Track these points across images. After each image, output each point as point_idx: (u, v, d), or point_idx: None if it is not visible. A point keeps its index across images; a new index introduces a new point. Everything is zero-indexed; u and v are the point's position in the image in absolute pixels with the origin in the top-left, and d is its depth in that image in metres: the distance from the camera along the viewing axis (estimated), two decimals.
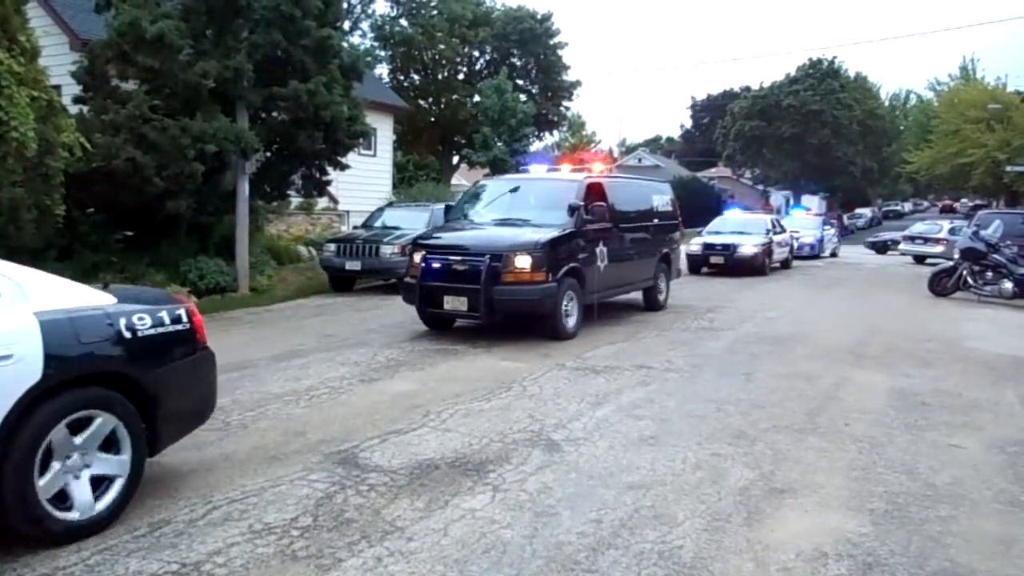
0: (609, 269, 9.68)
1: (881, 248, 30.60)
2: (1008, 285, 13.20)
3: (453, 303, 8.53)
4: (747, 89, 58.21)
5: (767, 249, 18.18)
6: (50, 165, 9.11)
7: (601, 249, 9.48)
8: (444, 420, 5.54)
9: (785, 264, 20.25)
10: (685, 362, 7.79)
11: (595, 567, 3.35)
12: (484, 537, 3.62)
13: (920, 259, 23.63)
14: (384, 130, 24.18)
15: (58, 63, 12.30)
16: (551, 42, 36.32)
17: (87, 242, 11.06)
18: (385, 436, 5.13)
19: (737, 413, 5.88)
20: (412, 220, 14.21)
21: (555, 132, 43.79)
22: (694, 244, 18.25)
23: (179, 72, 11.42)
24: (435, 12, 34.63)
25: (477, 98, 32.05)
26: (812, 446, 5.12)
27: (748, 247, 17.72)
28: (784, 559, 3.46)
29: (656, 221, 11.38)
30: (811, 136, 49.71)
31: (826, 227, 27.40)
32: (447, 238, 9.32)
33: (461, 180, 42.79)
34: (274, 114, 13.26)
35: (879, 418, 5.84)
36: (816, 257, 24.02)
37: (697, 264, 17.99)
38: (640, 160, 56.89)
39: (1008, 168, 32.89)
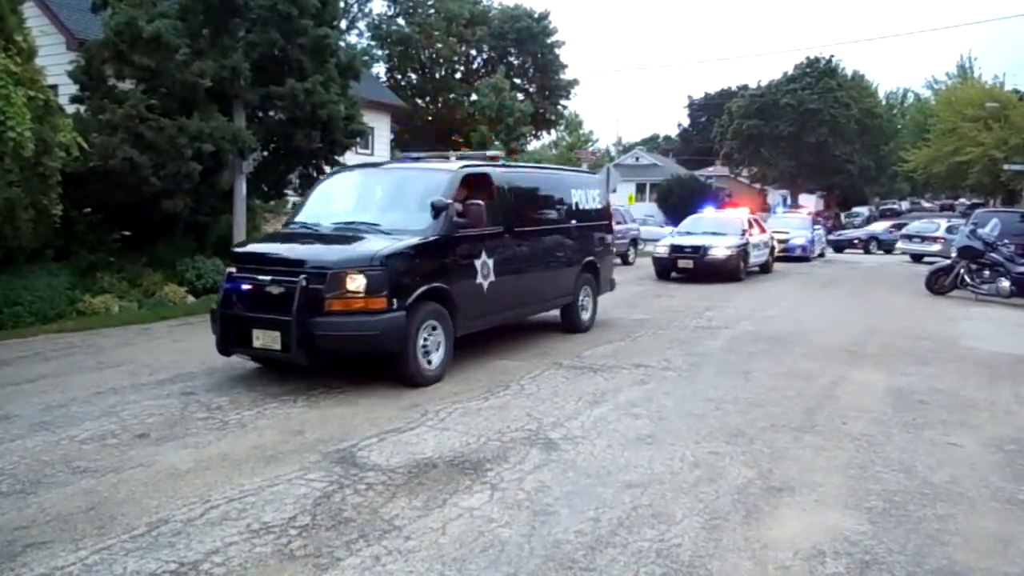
0: (501, 286, 7.44)
1: (841, 247, 29.79)
2: (1005, 284, 13.22)
3: (264, 339, 6.15)
4: (744, 88, 58.22)
5: (742, 251, 16.34)
6: (47, 165, 9.10)
7: (485, 261, 7.23)
8: (442, 419, 5.54)
9: (765, 268, 18.48)
10: (683, 361, 7.79)
11: (593, 565, 3.35)
12: (482, 536, 3.62)
13: (917, 258, 23.66)
14: (381, 129, 24.19)
15: (55, 63, 12.28)
16: (548, 41, 36.37)
17: (84, 242, 11.04)
18: (382, 435, 5.13)
19: (735, 412, 5.89)
20: None
21: (552, 131, 43.79)
22: (660, 246, 16.89)
23: (176, 71, 11.40)
24: (432, 11, 34.64)
25: (474, 97, 32.10)
26: (810, 445, 5.12)
27: (720, 249, 15.92)
28: (782, 557, 3.47)
29: (575, 222, 9.19)
30: (808, 135, 49.73)
31: (815, 227, 25.55)
32: (261, 249, 7.08)
33: None
34: (271, 113, 13.25)
35: (877, 417, 5.85)
36: (806, 259, 22.62)
37: (664, 269, 16.37)
38: (637, 159, 56.89)
39: (1005, 166, 32.92)
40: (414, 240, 6.53)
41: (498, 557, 3.41)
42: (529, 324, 8.97)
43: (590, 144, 48.70)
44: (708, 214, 19.65)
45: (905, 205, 70.35)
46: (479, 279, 7.20)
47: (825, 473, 4.58)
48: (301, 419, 5.47)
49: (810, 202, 58.22)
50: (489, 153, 8.74)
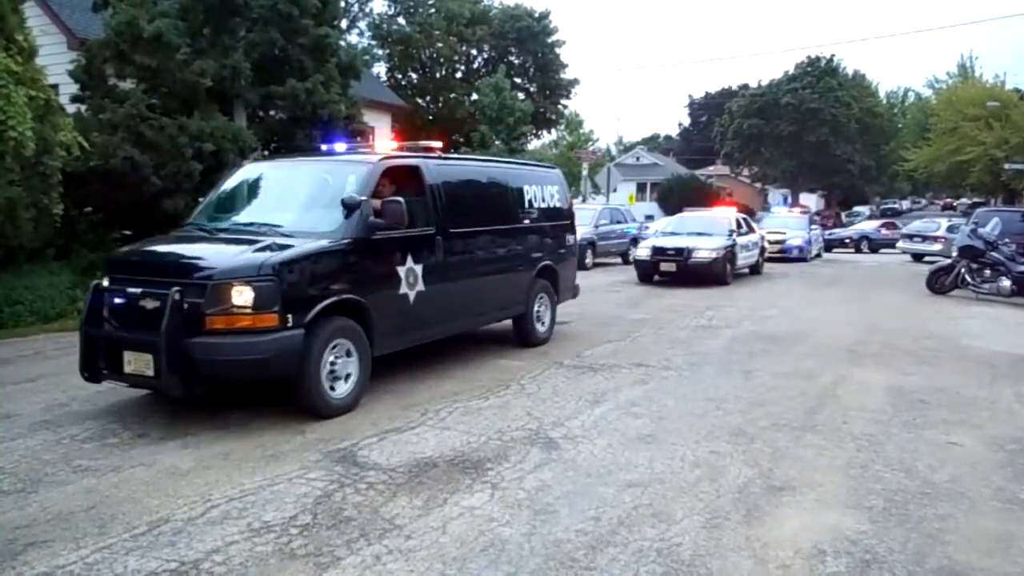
0: (433, 296, 6.49)
1: (830, 247, 28.88)
2: (1006, 283, 13.21)
3: (136, 363, 5.15)
4: (745, 87, 58.26)
5: (728, 253, 15.42)
6: (48, 164, 9.10)
7: (412, 268, 6.26)
8: (442, 418, 5.54)
9: (755, 269, 17.64)
10: (683, 360, 7.79)
11: (594, 564, 3.35)
12: (483, 535, 3.62)
13: (918, 257, 23.65)
14: (382, 129, 24.15)
15: (56, 62, 12.28)
16: (549, 40, 36.37)
17: (85, 241, 11.05)
18: (383, 434, 5.13)
19: (736, 411, 5.89)
20: None
21: (553, 130, 43.78)
22: (642, 248, 16.00)
23: (176, 71, 11.41)
24: (433, 10, 34.66)
25: (475, 96, 32.08)
26: (811, 444, 5.12)
27: (705, 251, 15.00)
28: (783, 556, 3.47)
29: (528, 222, 8.24)
30: (809, 134, 49.76)
31: (812, 227, 24.70)
32: (136, 256, 5.99)
33: None
34: (272, 113, 13.28)
35: (877, 416, 5.84)
36: (803, 260, 21.97)
37: (647, 272, 15.42)
38: (638, 158, 56.91)
39: (1006, 166, 32.93)
40: (318, 244, 5.52)
41: (499, 556, 3.41)
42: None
43: (591, 144, 48.61)
44: (694, 213, 18.81)
45: (906, 204, 70.37)
46: (404, 289, 6.18)
47: (826, 472, 4.58)
48: (301, 418, 5.46)
49: (811, 201, 58.27)
50: (424, 144, 7.33)
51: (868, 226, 33.40)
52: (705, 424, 5.52)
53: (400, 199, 5.98)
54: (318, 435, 5.10)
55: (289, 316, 5.15)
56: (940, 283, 14.21)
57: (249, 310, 5.06)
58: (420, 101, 35.09)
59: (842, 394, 6.53)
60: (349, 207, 5.74)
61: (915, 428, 5.55)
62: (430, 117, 35.25)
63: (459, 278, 6.97)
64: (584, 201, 28.33)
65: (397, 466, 4.53)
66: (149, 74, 11.42)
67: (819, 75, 51.04)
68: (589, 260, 18.30)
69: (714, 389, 6.57)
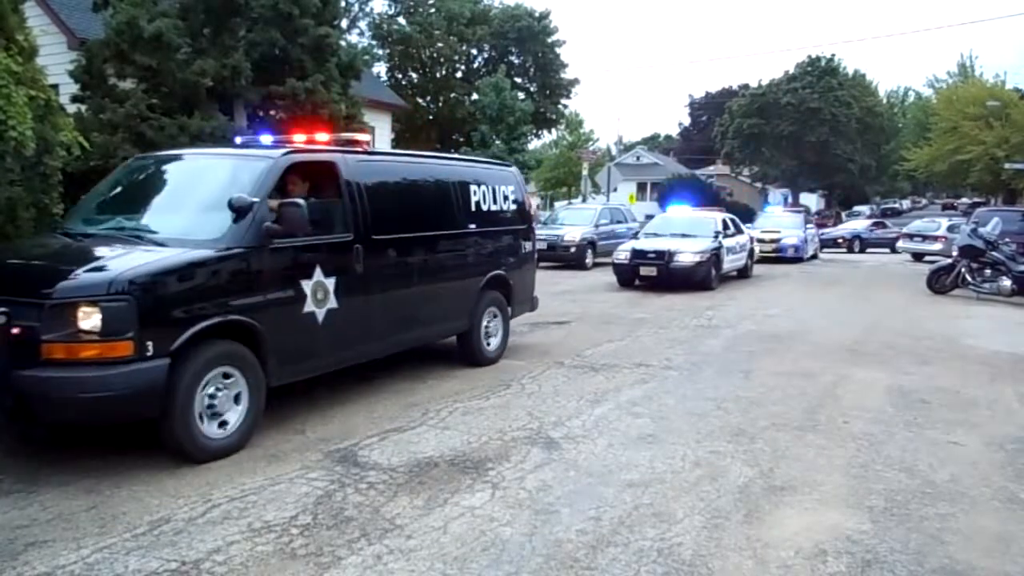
0: (350, 314, 5.58)
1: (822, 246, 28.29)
2: (1007, 282, 13.21)
3: None
4: (745, 87, 58.23)
5: (713, 256, 14.35)
6: (48, 164, 9.09)
7: (322, 281, 5.32)
8: (443, 418, 5.54)
9: (743, 273, 16.66)
10: (684, 360, 7.79)
11: (594, 564, 3.35)
12: (483, 535, 3.62)
13: (919, 256, 23.64)
14: (382, 128, 24.17)
15: (56, 62, 12.27)
16: (549, 40, 36.37)
17: None
18: (384, 434, 5.14)
19: (736, 411, 5.89)
20: None
21: (553, 130, 43.81)
22: (621, 251, 14.81)
23: (177, 71, 11.41)
24: (433, 10, 34.66)
25: (475, 96, 32.09)
26: (811, 444, 5.12)
27: (687, 254, 13.96)
28: (783, 556, 3.47)
29: (475, 226, 7.25)
30: (809, 134, 49.75)
31: (808, 226, 23.63)
32: None
33: None
34: (272, 112, 13.27)
35: (878, 416, 5.84)
36: (799, 260, 21.25)
37: (626, 277, 14.46)
38: (638, 158, 56.92)
39: (1006, 165, 32.93)
40: (192, 255, 4.57)
41: (499, 556, 3.41)
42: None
43: (591, 143, 48.64)
44: (679, 213, 17.54)
45: (906, 204, 70.37)
46: (310, 307, 5.23)
47: (826, 472, 4.58)
48: (302, 418, 5.47)
49: (811, 201, 58.26)
50: (347, 136, 6.45)
51: (860, 225, 33.22)
52: (706, 424, 5.52)
53: (300, 201, 5.08)
54: (319, 435, 5.10)
55: (149, 343, 4.18)
56: (940, 283, 14.21)
57: (97, 336, 4.10)
58: (420, 101, 35.08)
59: (843, 394, 6.53)
60: (238, 210, 4.77)
61: (916, 428, 5.55)
62: (430, 117, 35.26)
63: (384, 292, 6.02)
64: (584, 201, 28.34)
65: (398, 466, 4.54)
66: (149, 74, 11.43)
67: (819, 75, 51.03)
68: (589, 260, 18.30)
69: (715, 389, 6.57)
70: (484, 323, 7.42)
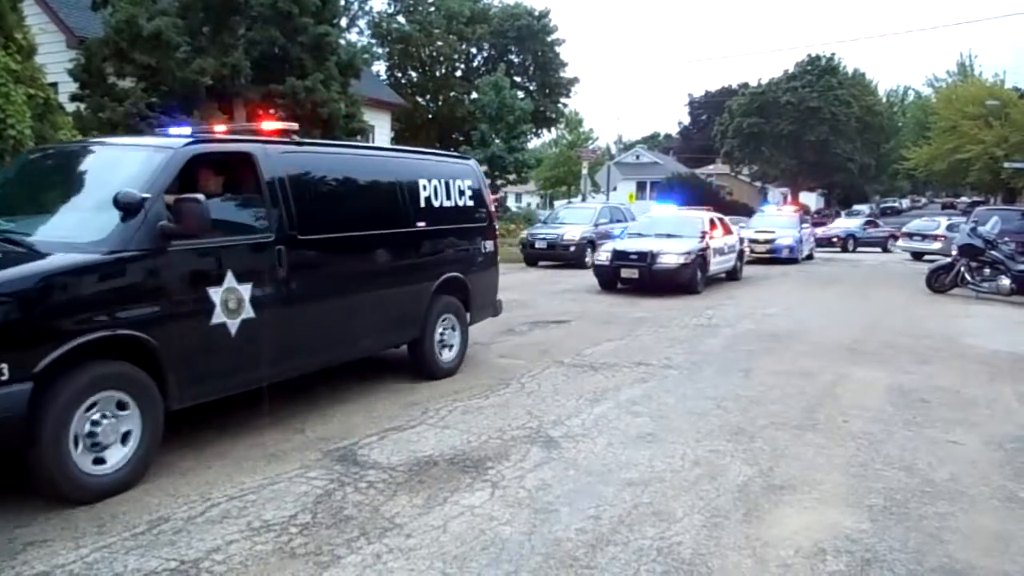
0: (271, 325, 4.92)
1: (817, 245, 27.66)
2: (1006, 281, 13.22)
3: None
4: (745, 86, 58.24)
5: (699, 257, 13.63)
6: None
7: (234, 289, 4.64)
8: (443, 417, 5.54)
9: (732, 275, 15.98)
10: (684, 359, 7.79)
11: (594, 563, 3.35)
12: (483, 534, 3.62)
13: (918, 255, 23.65)
14: (382, 127, 24.19)
15: (55, 61, 12.28)
16: (548, 39, 36.35)
17: None
18: (383, 433, 5.13)
19: (736, 410, 5.89)
20: None
21: (553, 129, 43.80)
22: (603, 252, 14.14)
23: (176, 69, 11.43)
24: (432, 9, 34.64)
25: (475, 95, 32.07)
26: (811, 443, 5.12)
27: (671, 256, 13.21)
28: (783, 555, 3.47)
29: (425, 225, 6.57)
30: (809, 133, 49.77)
31: (803, 226, 22.95)
32: None
33: None
34: (272, 111, 13.26)
35: (877, 415, 5.84)
36: (794, 261, 20.64)
37: (607, 279, 13.71)
38: (638, 157, 56.93)
39: (1006, 164, 32.95)
40: (64, 261, 3.95)
41: (499, 555, 3.41)
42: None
43: (590, 142, 48.67)
44: (664, 212, 16.83)
45: (906, 203, 70.40)
46: (220, 317, 4.55)
47: (826, 471, 4.58)
48: (302, 417, 5.47)
49: (811, 200, 58.25)
50: (268, 126, 5.64)
51: (853, 224, 33.00)
52: (705, 423, 5.52)
53: (199, 196, 4.35)
54: (318, 434, 5.10)
55: (3, 366, 3.56)
56: (940, 282, 14.22)
57: None
58: (420, 100, 35.06)
59: (842, 393, 6.54)
60: (125, 208, 4.14)
61: (915, 427, 5.55)
62: (430, 116, 35.25)
63: (315, 299, 5.35)
64: (584, 200, 28.34)
65: (397, 465, 4.54)
66: (148, 72, 11.44)
67: (819, 74, 51.05)
68: (589, 259, 18.29)
69: (714, 388, 6.57)
70: (438, 331, 6.76)
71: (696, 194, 32.63)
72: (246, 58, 11.87)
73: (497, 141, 27.66)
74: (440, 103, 35.41)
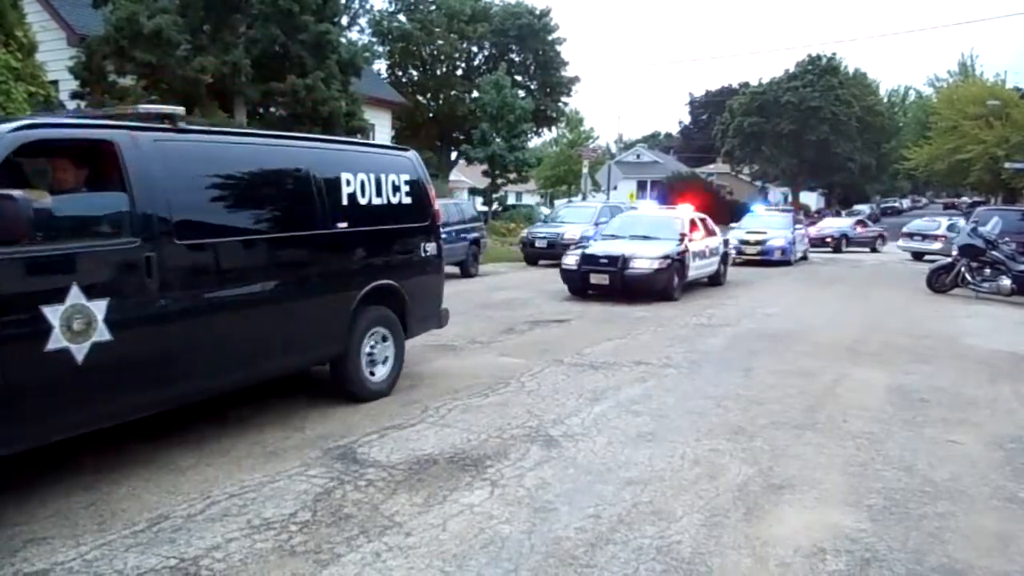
0: (133, 349, 4.12)
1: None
2: (1006, 282, 13.22)
3: None
4: (746, 85, 58.23)
5: (676, 262, 12.45)
6: None
7: (80, 307, 3.82)
8: (443, 415, 5.54)
9: (715, 280, 14.75)
10: (684, 358, 7.79)
11: (593, 562, 3.35)
12: (482, 532, 3.62)
13: (918, 256, 23.64)
14: (382, 126, 24.18)
15: (55, 58, 12.28)
16: (549, 38, 36.33)
17: None
18: (383, 431, 5.13)
19: (736, 409, 5.89)
20: None
21: (554, 128, 43.78)
22: (571, 256, 12.91)
23: (177, 67, 11.42)
24: (433, 7, 34.62)
25: (475, 94, 32.06)
26: (810, 442, 5.12)
27: (644, 260, 12.08)
28: (782, 555, 3.47)
29: (346, 226, 5.64)
30: (810, 132, 49.75)
31: (797, 226, 21.92)
32: None
33: (460, 176, 42.90)
34: (272, 109, 13.30)
35: (877, 414, 5.84)
36: (787, 263, 19.85)
37: (576, 285, 12.56)
38: (639, 156, 56.95)
39: (1006, 164, 32.92)
40: None
41: (498, 554, 3.41)
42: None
43: (591, 141, 48.65)
44: (642, 212, 15.90)
45: (906, 203, 70.39)
46: (60, 341, 3.72)
47: (826, 471, 4.58)
48: (302, 415, 5.47)
49: (811, 200, 58.21)
50: (144, 109, 4.89)
51: (844, 223, 32.71)
52: (705, 422, 5.52)
53: (14, 193, 3.52)
54: (318, 432, 5.10)
55: None
56: (940, 282, 14.22)
57: None
58: (420, 98, 35.03)
59: (842, 392, 6.53)
60: None
61: (915, 427, 5.55)
62: (431, 115, 35.23)
63: (197, 316, 4.47)
64: (584, 199, 28.33)
65: (397, 463, 4.53)
66: (149, 70, 11.44)
67: (820, 73, 51.03)
68: None
69: (714, 387, 6.57)
70: (365, 348, 5.89)
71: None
72: (247, 56, 11.87)
73: (498, 140, 27.65)
74: (441, 102, 35.39)
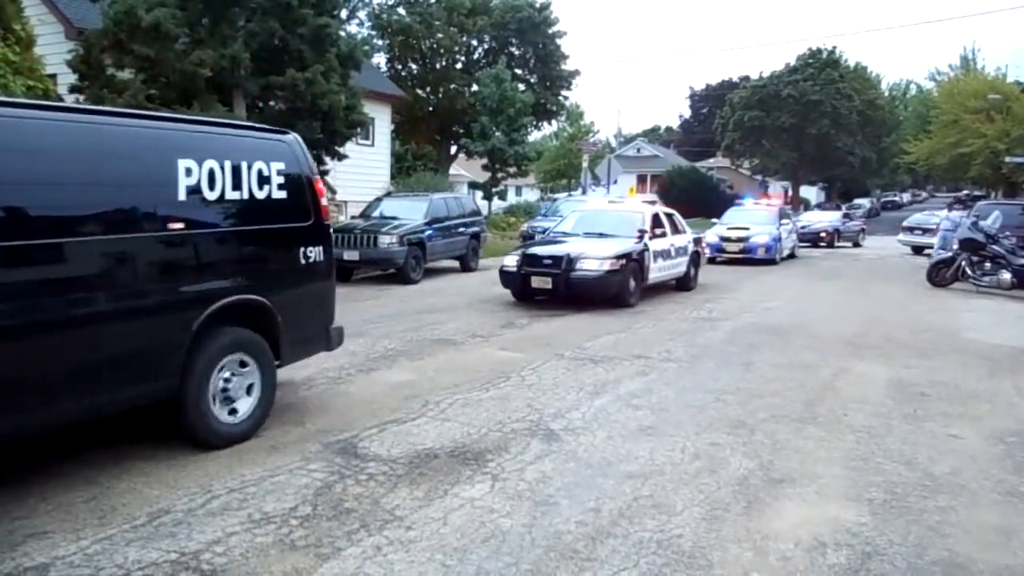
0: None
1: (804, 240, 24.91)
2: (1007, 276, 13.22)
3: None
4: (746, 79, 58.04)
5: (633, 263, 11.00)
6: None
7: None
8: (443, 410, 5.54)
9: (683, 283, 13.03)
10: (684, 352, 7.78)
11: (594, 556, 3.35)
12: (483, 526, 3.62)
13: (918, 250, 23.62)
14: (382, 120, 24.13)
15: (54, 52, 12.24)
16: (549, 31, 36.19)
17: None
18: (384, 425, 5.13)
19: (736, 403, 5.89)
20: (410, 210, 14.23)
21: (554, 122, 43.70)
22: (511, 257, 11.28)
23: (175, 61, 11.39)
24: (433, 1, 34.50)
25: (475, 87, 31.95)
26: (811, 436, 5.12)
27: (593, 260, 10.52)
28: (783, 548, 3.47)
29: (183, 226, 4.45)
30: (810, 126, 49.61)
31: (783, 221, 20.29)
32: None
33: (459, 170, 42.82)
34: (271, 103, 13.26)
35: (878, 408, 5.84)
36: (771, 262, 18.24)
37: (517, 289, 11.09)
38: (639, 150, 56.85)
39: (1007, 159, 32.86)
40: None
41: (499, 547, 3.41)
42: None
43: (591, 135, 48.59)
44: (597, 207, 14.39)
45: (907, 197, 70.32)
46: None
47: (826, 464, 4.58)
48: (302, 410, 5.47)
49: (811, 194, 58.12)
50: None
51: (834, 217, 32.38)
52: (705, 416, 5.52)
53: None
54: (319, 426, 5.10)
55: None
56: (940, 276, 14.23)
57: None
58: (420, 92, 34.92)
59: (842, 386, 6.53)
60: None
61: (915, 420, 5.55)
62: (430, 108, 35.14)
63: None
64: (584, 193, 28.30)
65: (398, 457, 4.53)
66: (148, 64, 11.40)
67: (820, 67, 50.85)
68: None
69: (714, 381, 6.57)
70: (214, 382, 4.63)
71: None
72: (245, 50, 11.82)
73: (498, 134, 27.57)
74: (440, 95, 35.27)
